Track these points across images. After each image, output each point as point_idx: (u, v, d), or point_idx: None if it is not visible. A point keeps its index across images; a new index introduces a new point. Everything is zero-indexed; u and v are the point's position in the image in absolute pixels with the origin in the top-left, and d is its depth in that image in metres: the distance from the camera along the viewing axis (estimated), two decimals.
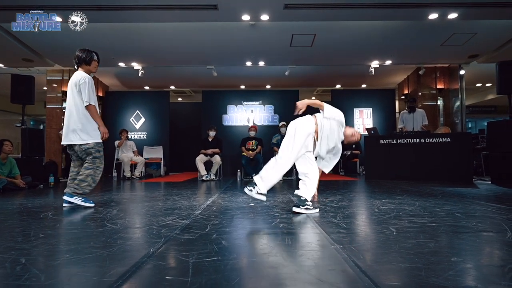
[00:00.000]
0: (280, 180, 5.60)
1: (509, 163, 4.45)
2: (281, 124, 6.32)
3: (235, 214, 2.29)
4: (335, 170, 7.32)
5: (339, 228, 1.77)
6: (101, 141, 2.77)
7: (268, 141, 6.74)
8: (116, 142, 6.94)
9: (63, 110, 7.66)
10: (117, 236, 1.63)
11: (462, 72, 7.54)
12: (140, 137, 8.46)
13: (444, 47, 6.33)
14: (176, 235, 1.64)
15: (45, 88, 7.96)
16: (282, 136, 6.15)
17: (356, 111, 8.67)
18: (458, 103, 7.72)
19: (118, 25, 5.31)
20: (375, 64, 7.37)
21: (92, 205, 2.68)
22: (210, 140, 6.30)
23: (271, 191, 3.81)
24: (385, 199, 2.94)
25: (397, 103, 9.43)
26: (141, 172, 6.97)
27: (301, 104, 2.31)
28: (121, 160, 6.75)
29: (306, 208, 2.24)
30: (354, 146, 7.48)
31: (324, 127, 2.31)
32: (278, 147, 6.03)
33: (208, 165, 6.13)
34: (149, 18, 4.97)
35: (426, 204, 2.57)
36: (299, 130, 2.27)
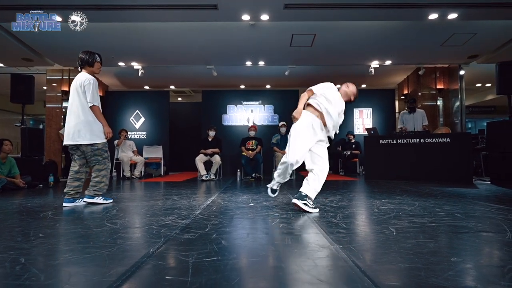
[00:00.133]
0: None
1: (509, 164, 4.46)
2: (281, 124, 6.31)
3: (235, 214, 2.30)
4: (334, 170, 7.35)
5: (338, 228, 1.77)
6: (106, 140, 2.87)
7: (267, 141, 6.74)
8: (116, 142, 6.94)
9: (63, 110, 7.67)
10: (117, 236, 1.63)
11: (461, 72, 7.55)
12: (139, 136, 8.46)
13: (444, 47, 6.33)
14: (176, 235, 1.64)
15: (44, 87, 7.95)
16: (282, 136, 6.16)
17: (356, 111, 8.68)
18: (457, 103, 7.72)
19: (118, 25, 5.31)
20: (375, 64, 7.37)
21: (111, 201, 2.91)
22: (210, 140, 6.30)
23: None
24: (385, 199, 2.94)
25: (397, 103, 9.44)
26: (141, 171, 6.97)
27: (297, 114, 2.36)
28: (121, 160, 6.74)
29: (305, 204, 2.24)
30: (354, 146, 7.50)
31: (322, 103, 2.36)
32: (278, 147, 6.15)
33: (207, 165, 6.13)
34: (149, 17, 4.97)
35: (425, 204, 2.58)
36: (298, 128, 2.34)
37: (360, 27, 5.50)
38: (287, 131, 6.24)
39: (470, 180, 4.82)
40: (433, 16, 4.94)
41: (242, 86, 9.40)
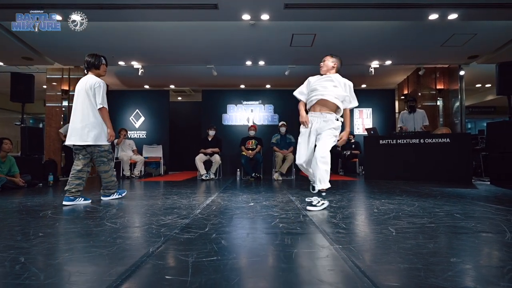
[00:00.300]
0: (280, 180, 5.62)
1: (508, 164, 4.46)
2: (280, 123, 6.30)
3: (234, 213, 2.30)
4: (334, 170, 7.35)
5: (338, 228, 1.77)
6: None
7: (267, 140, 6.74)
8: (115, 141, 6.93)
9: (63, 109, 7.67)
10: (117, 235, 1.63)
11: (461, 72, 7.55)
12: (139, 136, 8.45)
13: (444, 47, 6.33)
14: (175, 234, 1.64)
15: (44, 86, 7.93)
16: (282, 136, 6.16)
17: (356, 111, 8.68)
18: (457, 103, 7.73)
19: (118, 24, 5.30)
20: (375, 64, 7.37)
21: (125, 192, 3.31)
22: (209, 139, 6.30)
23: (271, 190, 3.81)
24: (385, 199, 2.94)
25: (396, 103, 9.44)
26: (141, 171, 6.97)
27: (303, 118, 2.60)
28: (121, 159, 6.74)
29: (315, 205, 2.37)
30: (353, 146, 7.50)
31: (312, 95, 2.66)
32: (278, 147, 6.14)
33: (207, 164, 6.13)
34: (149, 17, 4.97)
35: (425, 205, 2.58)
36: (301, 132, 2.67)
37: (360, 27, 5.50)
38: (287, 131, 6.28)
39: (469, 180, 4.83)
40: (433, 16, 4.94)
41: (242, 86, 9.39)
